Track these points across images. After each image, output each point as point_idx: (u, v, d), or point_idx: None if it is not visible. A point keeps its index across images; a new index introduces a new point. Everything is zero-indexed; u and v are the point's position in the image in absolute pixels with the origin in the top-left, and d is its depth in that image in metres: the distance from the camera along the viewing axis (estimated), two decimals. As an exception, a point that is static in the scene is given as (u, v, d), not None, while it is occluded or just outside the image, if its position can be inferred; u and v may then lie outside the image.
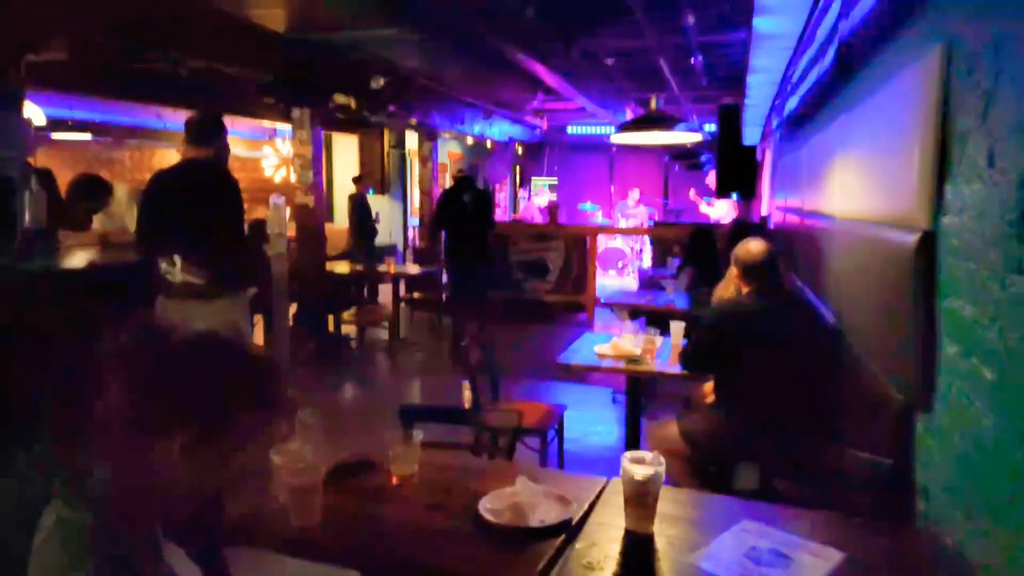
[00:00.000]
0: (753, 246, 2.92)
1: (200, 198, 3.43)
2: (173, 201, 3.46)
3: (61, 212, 4.80)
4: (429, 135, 9.60)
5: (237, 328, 3.41)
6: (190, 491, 1.01)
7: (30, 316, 3.26)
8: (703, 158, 12.71)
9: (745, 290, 2.93)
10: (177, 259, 3.41)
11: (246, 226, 4.14)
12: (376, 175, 10.64)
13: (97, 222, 5.02)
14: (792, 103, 4.46)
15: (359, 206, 8.72)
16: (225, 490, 1.07)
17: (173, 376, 0.99)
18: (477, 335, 3.57)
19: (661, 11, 5.74)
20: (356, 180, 9.10)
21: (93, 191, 4.95)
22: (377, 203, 10.14)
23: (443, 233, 7.02)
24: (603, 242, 11.31)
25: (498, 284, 8.77)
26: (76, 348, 1.03)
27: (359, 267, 7.41)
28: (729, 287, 3.13)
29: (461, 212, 6.74)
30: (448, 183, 7.41)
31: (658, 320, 4.38)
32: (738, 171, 7.18)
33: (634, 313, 5.54)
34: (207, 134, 3.54)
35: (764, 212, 7.80)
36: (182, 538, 1.08)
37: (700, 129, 8.99)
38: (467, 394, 3.16)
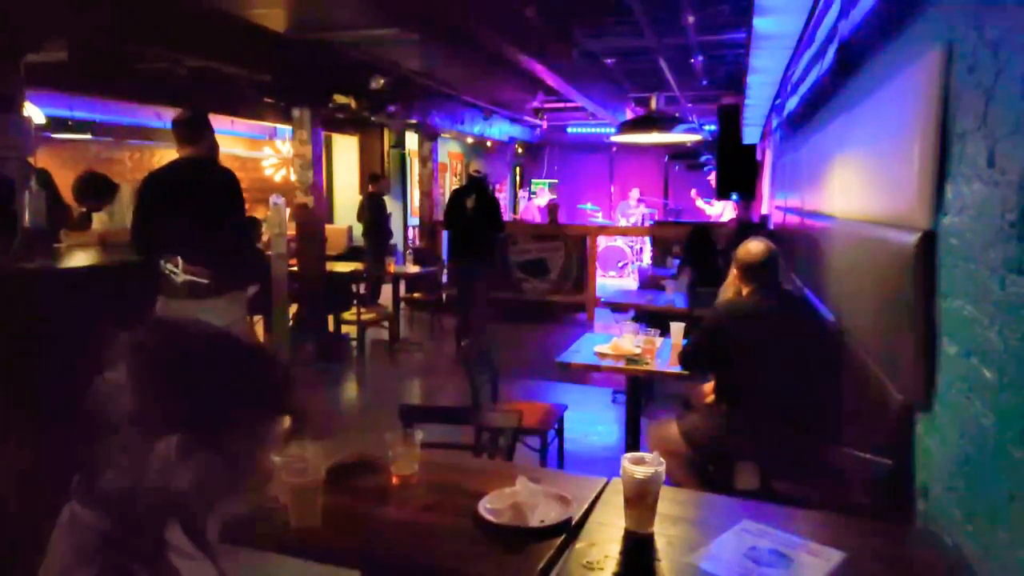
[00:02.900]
0: (753, 246, 2.92)
1: (198, 196, 3.43)
2: (170, 200, 3.46)
3: (59, 212, 4.80)
4: (429, 135, 9.60)
5: (239, 327, 3.42)
6: (194, 493, 1.01)
7: (31, 315, 3.26)
8: (703, 158, 12.72)
9: (745, 291, 2.93)
10: (179, 259, 3.41)
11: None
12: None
13: (97, 222, 5.02)
14: (792, 103, 4.46)
15: (375, 206, 8.66)
16: (227, 491, 1.07)
17: (181, 375, 1.00)
18: (478, 336, 3.57)
19: (661, 11, 5.75)
20: (372, 180, 8.99)
21: (99, 190, 4.95)
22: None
23: (445, 233, 6.94)
24: (603, 242, 11.30)
25: (498, 285, 8.77)
26: (80, 348, 1.04)
27: (362, 267, 7.39)
28: (731, 288, 3.13)
29: (462, 215, 6.68)
30: (455, 182, 7.29)
31: (658, 320, 4.38)
32: (738, 171, 7.18)
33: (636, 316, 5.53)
34: (195, 132, 3.55)
35: (764, 212, 7.80)
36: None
37: (700, 129, 8.99)
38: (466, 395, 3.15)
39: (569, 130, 14.40)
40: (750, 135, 7.12)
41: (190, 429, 0.97)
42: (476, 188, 6.78)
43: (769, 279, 2.88)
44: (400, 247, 11.33)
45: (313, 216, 6.66)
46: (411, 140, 11.27)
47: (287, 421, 1.11)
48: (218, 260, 3.43)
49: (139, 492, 0.97)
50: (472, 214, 6.65)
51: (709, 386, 3.19)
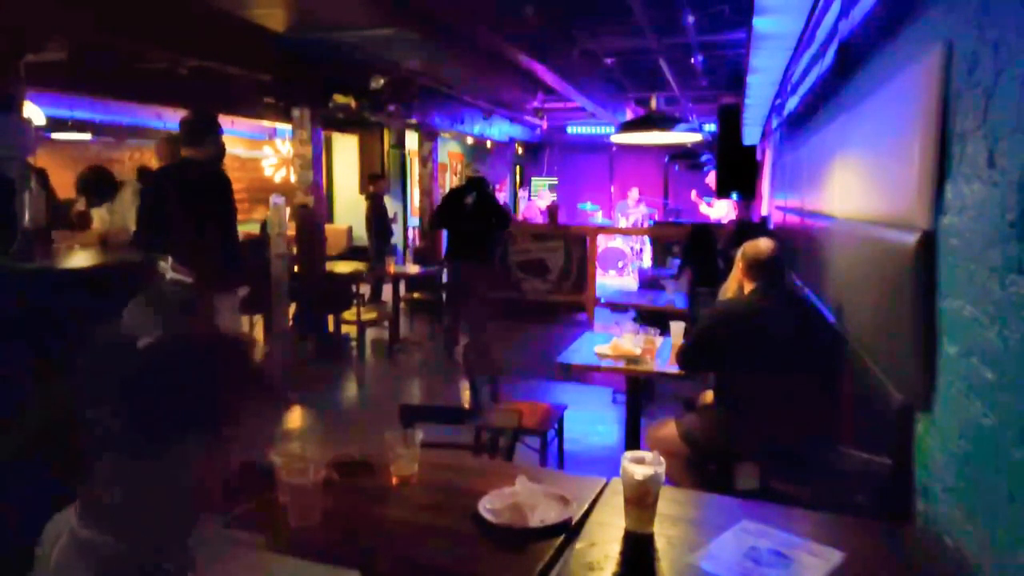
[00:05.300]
0: (763, 243, 2.93)
1: (191, 198, 3.47)
2: (166, 200, 3.51)
3: (57, 212, 4.81)
4: (429, 135, 9.60)
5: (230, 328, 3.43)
6: (200, 492, 0.99)
7: (30, 315, 3.25)
8: (703, 158, 12.72)
9: (747, 287, 2.93)
10: (168, 257, 3.42)
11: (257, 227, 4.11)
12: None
13: (97, 221, 5.02)
14: (792, 103, 4.46)
15: (377, 206, 8.65)
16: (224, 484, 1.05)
17: (158, 385, 0.95)
18: (477, 336, 3.57)
19: (661, 11, 5.74)
20: (372, 179, 8.96)
21: (102, 185, 4.97)
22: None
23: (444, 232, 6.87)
24: (603, 242, 11.30)
25: (499, 285, 8.76)
26: (80, 348, 1.01)
27: (364, 267, 7.39)
28: (732, 286, 3.13)
29: (460, 213, 6.60)
30: (456, 182, 7.18)
31: (658, 320, 4.38)
32: (738, 171, 7.18)
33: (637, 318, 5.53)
34: (200, 134, 3.58)
35: (764, 212, 7.80)
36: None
37: (700, 129, 8.98)
38: (466, 394, 3.16)
39: (569, 130, 14.40)
40: (750, 135, 7.11)
41: (185, 434, 0.94)
42: (474, 188, 6.69)
43: (774, 277, 2.89)
44: (400, 247, 11.33)
45: (313, 216, 6.65)
46: (411, 140, 11.27)
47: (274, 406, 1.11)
48: (203, 262, 3.45)
49: (148, 506, 0.92)
50: (472, 212, 6.55)
51: (710, 393, 3.19)
